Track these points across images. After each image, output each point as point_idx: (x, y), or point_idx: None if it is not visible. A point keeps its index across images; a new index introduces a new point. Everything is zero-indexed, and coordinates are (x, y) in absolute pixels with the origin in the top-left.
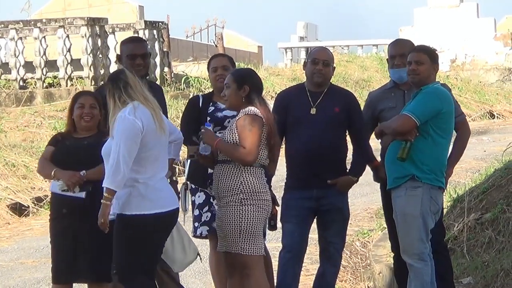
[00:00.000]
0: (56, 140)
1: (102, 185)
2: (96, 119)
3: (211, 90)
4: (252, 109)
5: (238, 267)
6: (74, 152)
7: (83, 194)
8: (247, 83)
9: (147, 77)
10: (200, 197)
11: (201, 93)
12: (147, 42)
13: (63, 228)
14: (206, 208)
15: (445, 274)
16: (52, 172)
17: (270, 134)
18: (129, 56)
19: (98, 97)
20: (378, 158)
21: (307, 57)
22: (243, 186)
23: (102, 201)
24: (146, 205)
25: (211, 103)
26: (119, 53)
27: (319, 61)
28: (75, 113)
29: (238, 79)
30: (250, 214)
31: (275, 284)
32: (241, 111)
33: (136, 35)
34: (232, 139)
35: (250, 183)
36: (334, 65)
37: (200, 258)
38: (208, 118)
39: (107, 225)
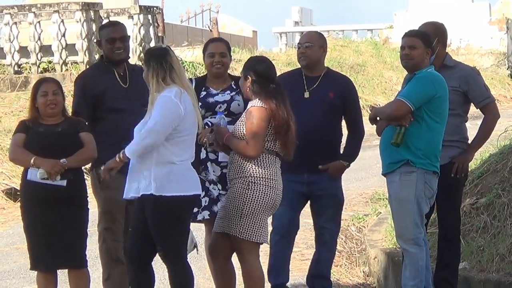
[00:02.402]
0: (26, 127)
1: (124, 149)
2: (60, 105)
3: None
4: (257, 101)
5: (224, 251)
6: (49, 139)
7: (64, 183)
8: (250, 73)
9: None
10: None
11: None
12: (142, 26)
13: (39, 216)
14: (203, 194)
15: (451, 262)
16: (32, 160)
17: (278, 124)
18: (108, 40)
19: (59, 83)
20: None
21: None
22: (253, 170)
23: (115, 159)
24: (188, 185)
25: (203, 88)
26: (98, 39)
27: (301, 45)
28: (39, 101)
29: (244, 69)
30: (255, 199)
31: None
32: (251, 102)
33: (131, 20)
34: (243, 131)
35: (261, 169)
36: (325, 46)
37: (197, 250)
38: (200, 103)
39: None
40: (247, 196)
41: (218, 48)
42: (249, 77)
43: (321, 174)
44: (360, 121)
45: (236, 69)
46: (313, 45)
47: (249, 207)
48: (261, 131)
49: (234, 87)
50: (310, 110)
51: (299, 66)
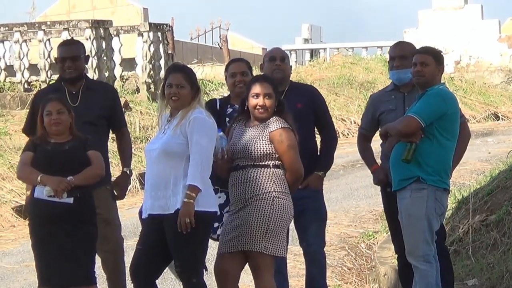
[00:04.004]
0: (34, 145)
1: (189, 183)
2: (65, 123)
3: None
4: (282, 121)
5: (233, 271)
6: (57, 157)
7: (71, 200)
8: (279, 93)
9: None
10: (221, 198)
11: (206, 95)
12: (152, 44)
13: (46, 233)
14: (227, 208)
15: (446, 276)
16: (38, 178)
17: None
18: (59, 59)
19: (64, 102)
20: (379, 161)
21: (264, 58)
22: (276, 185)
23: (186, 200)
24: (212, 202)
25: (228, 105)
26: (55, 56)
27: (274, 59)
28: (44, 121)
29: (276, 90)
30: (280, 212)
31: None
32: (272, 121)
33: (141, 37)
34: (266, 149)
35: (280, 184)
36: (291, 64)
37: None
38: (227, 119)
39: (192, 224)
40: (272, 212)
41: (239, 68)
42: (278, 97)
43: (300, 190)
44: (331, 126)
45: None
46: (284, 60)
47: (274, 222)
48: (297, 150)
49: None
50: None
51: (308, 83)
